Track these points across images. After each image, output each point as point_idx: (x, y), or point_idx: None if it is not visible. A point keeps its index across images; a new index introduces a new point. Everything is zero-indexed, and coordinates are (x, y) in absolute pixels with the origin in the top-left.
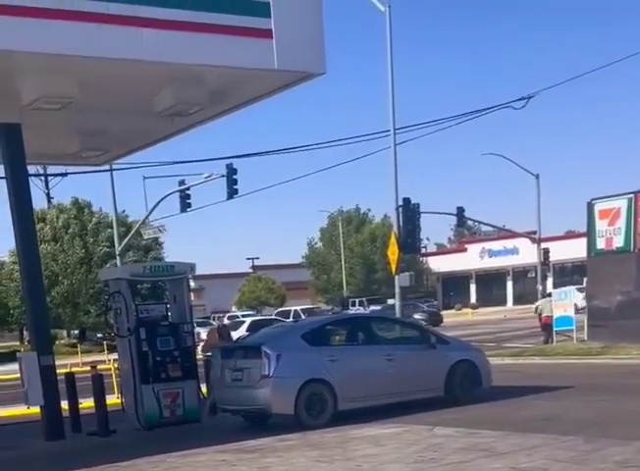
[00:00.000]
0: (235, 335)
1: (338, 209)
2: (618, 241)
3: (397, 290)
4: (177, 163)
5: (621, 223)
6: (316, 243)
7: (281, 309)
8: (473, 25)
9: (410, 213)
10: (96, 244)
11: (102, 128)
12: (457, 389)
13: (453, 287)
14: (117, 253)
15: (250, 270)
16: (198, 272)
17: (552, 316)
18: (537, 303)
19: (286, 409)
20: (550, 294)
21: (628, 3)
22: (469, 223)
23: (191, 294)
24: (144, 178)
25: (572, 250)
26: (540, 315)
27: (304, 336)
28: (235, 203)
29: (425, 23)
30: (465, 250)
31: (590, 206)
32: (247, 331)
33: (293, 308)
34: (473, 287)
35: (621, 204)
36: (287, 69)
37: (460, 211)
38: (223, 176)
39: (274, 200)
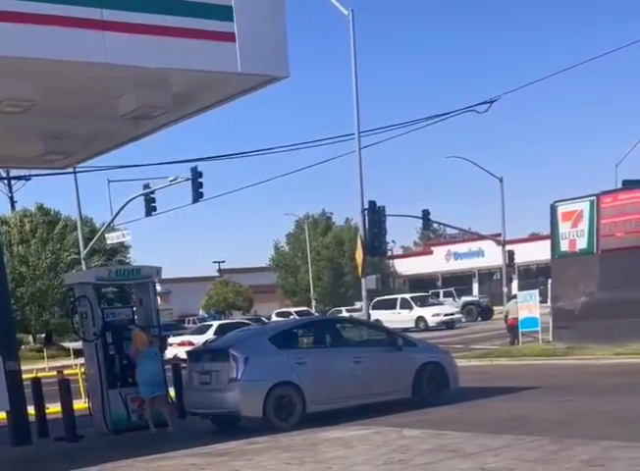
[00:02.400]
0: (202, 338)
1: (305, 213)
2: (582, 243)
3: (363, 293)
4: (140, 166)
5: (584, 225)
6: (282, 247)
7: (280, 311)
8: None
9: (376, 216)
10: (62, 249)
11: (66, 131)
12: (425, 390)
13: (420, 289)
14: (82, 257)
15: (217, 273)
16: (165, 276)
17: (517, 318)
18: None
19: (254, 412)
20: (515, 296)
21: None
22: (435, 225)
23: (158, 298)
24: (109, 181)
25: (537, 252)
26: (506, 317)
27: (272, 339)
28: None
29: (391, 27)
30: (431, 253)
31: (553, 208)
32: (215, 334)
33: (292, 309)
34: (441, 290)
35: (584, 206)
36: (250, 72)
37: (426, 214)
38: (188, 179)
39: (240, 204)
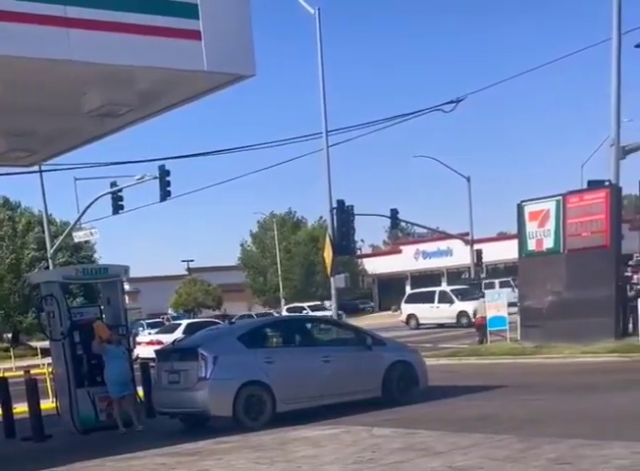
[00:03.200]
0: (171, 337)
1: (270, 212)
2: (548, 243)
3: (333, 292)
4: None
5: (551, 225)
6: (249, 246)
7: (292, 305)
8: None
9: (345, 215)
10: (25, 247)
11: (30, 128)
12: (395, 389)
13: (389, 288)
14: (49, 256)
15: (186, 272)
16: (133, 274)
17: (486, 316)
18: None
19: (224, 411)
20: (483, 295)
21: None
22: (403, 225)
23: (126, 297)
24: (75, 179)
25: (504, 251)
26: (474, 316)
27: (241, 338)
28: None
29: (359, 26)
30: (400, 252)
31: (520, 208)
32: (184, 333)
33: (305, 304)
34: (408, 289)
35: (550, 206)
36: (216, 70)
37: (394, 213)
38: (155, 178)
39: (208, 203)
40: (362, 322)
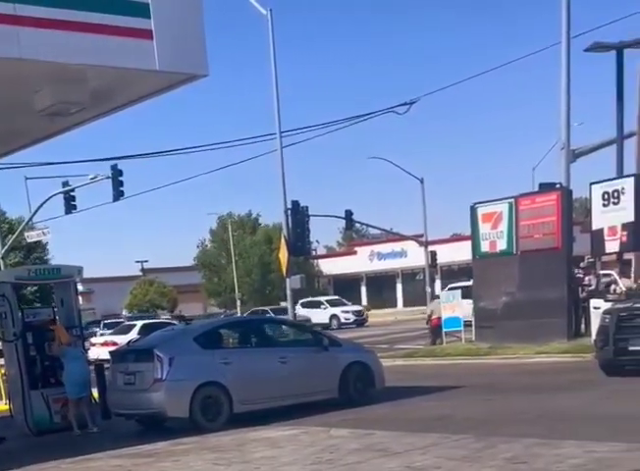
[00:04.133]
0: (126, 338)
1: (228, 212)
2: (502, 244)
3: (288, 293)
4: (60, 163)
5: (504, 226)
6: (207, 246)
7: (307, 300)
8: (364, 30)
9: (299, 216)
10: None
11: None
12: (352, 390)
13: (345, 289)
14: (0, 256)
15: (140, 273)
16: (87, 275)
17: (441, 317)
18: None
19: (181, 412)
20: (438, 296)
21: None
22: (358, 226)
23: (80, 298)
24: (26, 178)
25: (459, 253)
26: (430, 316)
27: (197, 339)
28: (123, 205)
29: (316, 27)
30: (355, 253)
31: (473, 210)
32: (139, 334)
33: (323, 298)
34: (364, 290)
35: (503, 208)
36: (169, 70)
37: (349, 214)
38: (108, 177)
39: (163, 203)
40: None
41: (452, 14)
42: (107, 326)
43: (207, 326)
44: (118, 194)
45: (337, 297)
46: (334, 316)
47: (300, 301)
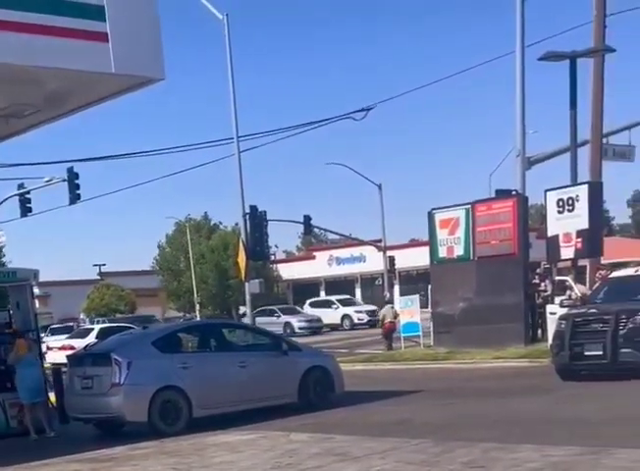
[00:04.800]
0: (83, 342)
1: (186, 216)
2: (459, 250)
3: (247, 297)
4: (15, 165)
5: (461, 232)
6: (165, 249)
7: (316, 299)
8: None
9: (257, 221)
10: None
11: None
12: (311, 394)
13: (304, 293)
14: None
15: (97, 277)
16: (44, 278)
17: (394, 322)
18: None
19: (139, 417)
20: (391, 301)
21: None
22: (317, 231)
23: (36, 301)
24: None
25: (417, 258)
26: (383, 321)
27: (155, 343)
28: (80, 209)
29: (270, 37)
30: (314, 258)
31: (431, 216)
32: (96, 338)
33: (334, 297)
34: (323, 294)
35: (460, 214)
36: (124, 73)
37: (307, 219)
38: (64, 180)
39: (120, 206)
40: (278, 328)
41: (410, 22)
42: (53, 331)
43: (166, 330)
44: (74, 197)
45: (348, 296)
46: (346, 316)
47: (309, 301)
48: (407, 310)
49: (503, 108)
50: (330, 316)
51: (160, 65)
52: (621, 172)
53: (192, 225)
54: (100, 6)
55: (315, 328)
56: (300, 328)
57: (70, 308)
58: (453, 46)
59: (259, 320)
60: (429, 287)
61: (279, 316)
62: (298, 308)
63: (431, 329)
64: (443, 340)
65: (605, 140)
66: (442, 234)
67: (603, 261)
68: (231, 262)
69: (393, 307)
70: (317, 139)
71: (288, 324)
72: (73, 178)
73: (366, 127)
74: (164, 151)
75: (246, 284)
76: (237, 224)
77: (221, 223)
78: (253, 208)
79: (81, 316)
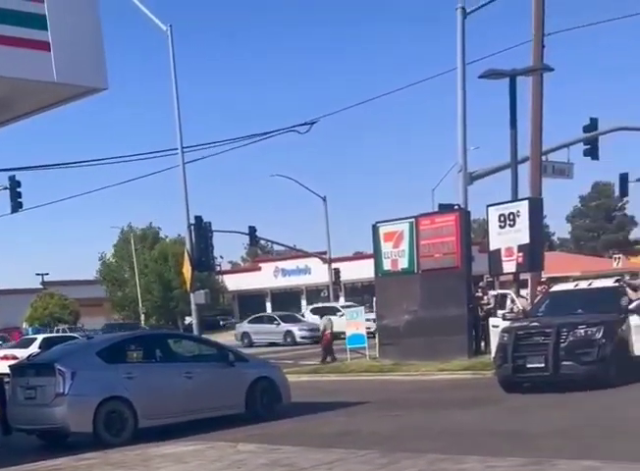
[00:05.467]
0: (26, 352)
1: (128, 225)
2: (403, 263)
3: (193, 308)
4: None
5: (405, 245)
6: (109, 259)
7: (317, 306)
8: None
9: (203, 231)
10: None
11: None
12: (258, 405)
13: (250, 304)
14: None
15: (40, 286)
16: None
17: (332, 333)
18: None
19: (84, 427)
20: (329, 313)
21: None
22: (262, 242)
23: None
24: None
25: (362, 270)
26: (323, 332)
27: (100, 353)
28: (22, 217)
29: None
30: (260, 269)
31: (375, 229)
32: (39, 348)
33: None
34: (269, 306)
35: (404, 228)
36: (66, 82)
37: (252, 230)
38: (6, 188)
39: (64, 215)
40: (225, 338)
41: (368, 35)
42: None
43: (111, 340)
44: (16, 206)
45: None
46: (288, 333)
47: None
48: (353, 322)
49: (446, 123)
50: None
51: (103, 74)
52: (561, 188)
53: (137, 235)
54: (42, 15)
55: (317, 337)
56: (303, 337)
57: (12, 317)
58: (398, 61)
59: (256, 328)
60: (374, 299)
61: (278, 324)
62: (298, 315)
63: (376, 340)
64: (388, 352)
65: (544, 158)
66: (386, 246)
67: (544, 275)
68: (173, 272)
69: (330, 319)
70: (264, 151)
71: (289, 333)
72: (14, 186)
73: (312, 140)
74: (110, 161)
75: (192, 294)
76: (179, 235)
77: (161, 229)
78: (198, 219)
79: (24, 325)
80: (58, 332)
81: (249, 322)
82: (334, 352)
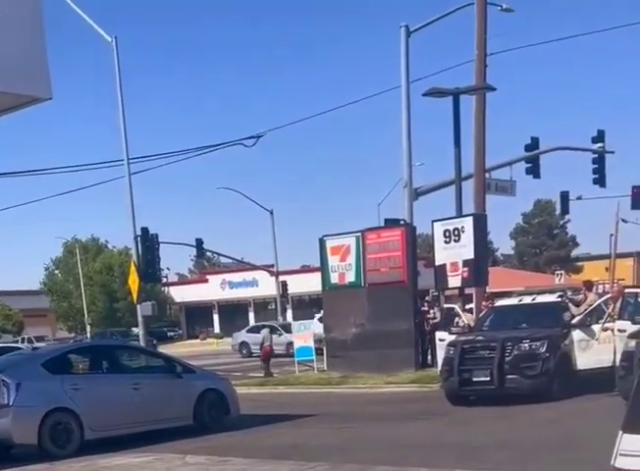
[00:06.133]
0: None
1: (72, 237)
2: (350, 277)
3: (139, 319)
4: None
5: (352, 259)
6: (54, 270)
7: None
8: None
9: (149, 243)
10: None
11: None
12: (206, 417)
13: (196, 316)
14: None
15: None
16: None
17: (271, 345)
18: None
19: (29, 439)
20: (267, 326)
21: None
22: (209, 254)
23: None
24: None
25: (309, 284)
26: (262, 345)
27: (45, 364)
28: None
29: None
30: (207, 281)
31: (322, 243)
32: None
33: None
34: (216, 318)
35: (351, 242)
36: (8, 91)
37: (199, 242)
38: None
39: (7, 225)
40: (173, 350)
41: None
42: None
43: (56, 351)
44: None
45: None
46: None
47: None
48: (301, 335)
49: (392, 139)
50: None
51: (47, 84)
52: (504, 205)
53: (80, 246)
54: None
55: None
56: None
57: None
58: (346, 77)
59: (257, 337)
60: (321, 312)
61: (281, 334)
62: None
63: (325, 353)
64: (336, 365)
65: (488, 175)
66: (333, 260)
67: (488, 290)
68: (119, 284)
69: (270, 332)
70: (211, 164)
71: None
72: None
73: (260, 153)
74: (56, 170)
75: (138, 306)
76: (126, 246)
77: (108, 242)
78: (145, 230)
79: None
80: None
81: (248, 331)
82: (270, 367)
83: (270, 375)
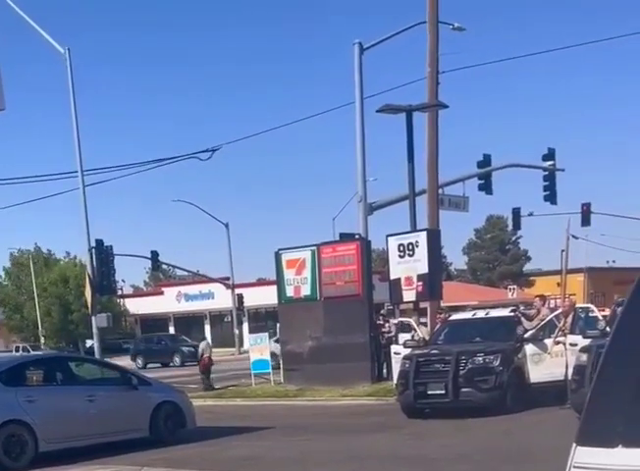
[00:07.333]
0: None
1: (18, 249)
2: (306, 290)
3: (94, 331)
4: None
5: (307, 273)
6: (3, 281)
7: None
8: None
9: (104, 255)
10: None
11: None
12: (162, 429)
13: (152, 328)
14: None
15: None
16: None
17: (210, 357)
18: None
19: None
20: (205, 338)
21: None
22: (164, 266)
23: None
24: None
25: (265, 297)
26: (201, 356)
27: None
28: None
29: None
30: (162, 293)
31: (278, 256)
32: None
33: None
34: (172, 330)
35: (306, 255)
36: None
37: (154, 255)
38: None
39: None
40: (128, 362)
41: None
42: None
43: (10, 363)
44: None
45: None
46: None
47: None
48: (257, 347)
49: (347, 154)
50: None
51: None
52: (457, 221)
53: (27, 257)
54: None
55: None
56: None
57: None
58: (301, 93)
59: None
60: (277, 325)
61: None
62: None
63: (281, 366)
64: (292, 378)
65: (441, 191)
66: (289, 274)
67: (442, 304)
68: (73, 295)
69: (209, 343)
70: (167, 177)
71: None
72: None
73: (215, 166)
74: (7, 181)
75: (93, 318)
76: (75, 257)
77: (53, 253)
78: (99, 242)
79: None
80: None
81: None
82: (207, 377)
83: (211, 388)
